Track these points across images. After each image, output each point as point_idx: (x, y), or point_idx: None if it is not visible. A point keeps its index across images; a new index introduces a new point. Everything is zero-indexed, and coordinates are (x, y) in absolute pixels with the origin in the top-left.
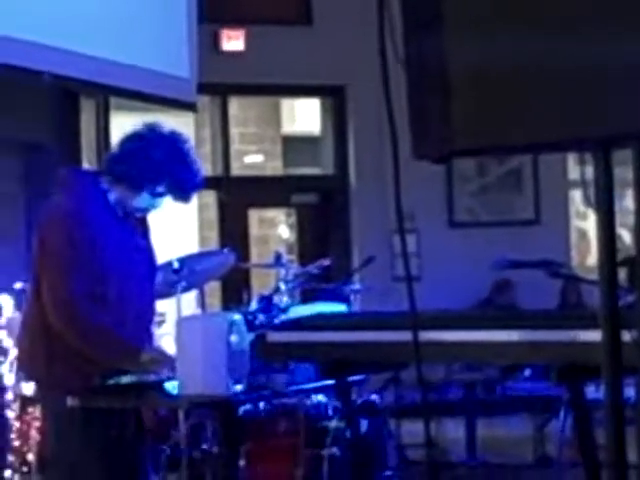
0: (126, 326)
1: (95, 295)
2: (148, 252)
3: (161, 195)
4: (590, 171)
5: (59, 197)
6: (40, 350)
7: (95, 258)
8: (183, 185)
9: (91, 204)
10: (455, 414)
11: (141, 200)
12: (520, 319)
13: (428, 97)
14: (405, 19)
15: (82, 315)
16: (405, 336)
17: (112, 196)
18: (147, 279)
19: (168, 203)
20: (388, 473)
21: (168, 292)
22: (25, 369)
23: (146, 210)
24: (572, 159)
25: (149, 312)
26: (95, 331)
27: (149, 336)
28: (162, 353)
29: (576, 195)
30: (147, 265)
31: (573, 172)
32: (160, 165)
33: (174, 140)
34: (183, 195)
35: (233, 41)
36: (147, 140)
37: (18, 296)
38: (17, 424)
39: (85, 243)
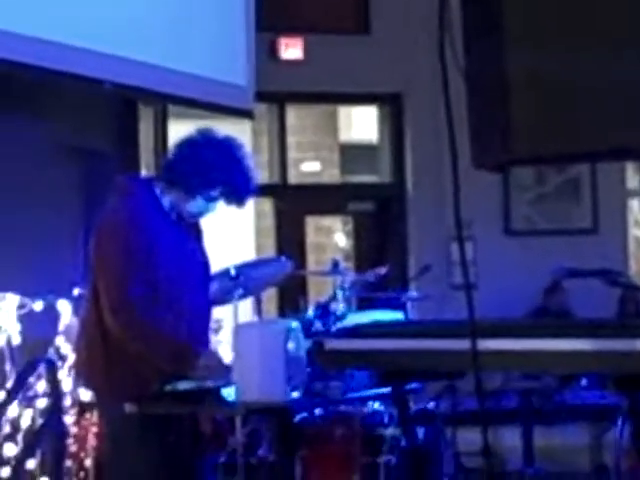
0: (180, 331)
1: (155, 299)
2: (202, 257)
3: (215, 200)
4: None
5: (115, 203)
6: (98, 356)
7: (150, 263)
8: (237, 190)
9: (146, 209)
10: (512, 422)
11: (195, 205)
12: (578, 328)
13: (488, 106)
14: (465, 28)
15: (139, 318)
16: (462, 344)
17: (166, 201)
18: (201, 284)
19: (223, 209)
20: None
21: (225, 299)
22: (83, 376)
23: (200, 215)
24: (631, 168)
25: (204, 317)
26: (152, 334)
27: (205, 341)
28: (216, 359)
29: (634, 204)
30: (201, 270)
31: (632, 181)
32: (214, 170)
33: (228, 145)
34: (237, 200)
35: (291, 49)
36: (200, 145)
37: (76, 302)
38: (75, 429)
39: (140, 248)
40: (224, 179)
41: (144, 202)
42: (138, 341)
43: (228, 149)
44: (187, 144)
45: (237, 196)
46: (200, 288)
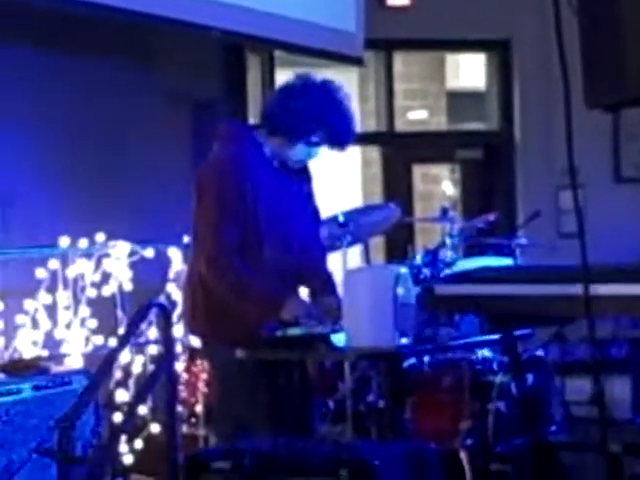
0: (282, 275)
1: (248, 245)
2: (310, 201)
3: (317, 144)
4: None
5: (216, 150)
6: (200, 303)
7: (248, 208)
8: (338, 133)
9: (246, 155)
10: (622, 372)
11: (297, 150)
12: None
13: (601, 45)
14: None
15: (229, 268)
16: (573, 289)
17: (268, 148)
18: (309, 226)
19: (329, 155)
20: (553, 428)
21: (333, 246)
22: (188, 323)
23: (303, 161)
24: None
25: (317, 259)
26: (241, 285)
27: (331, 285)
28: (309, 309)
29: None
30: (309, 212)
31: None
32: (313, 114)
33: (327, 89)
34: (338, 143)
35: None
36: (298, 90)
37: (186, 249)
38: (185, 376)
39: (238, 193)
40: (322, 123)
41: (245, 148)
42: (227, 291)
43: (326, 92)
44: (284, 90)
45: (338, 140)
46: (308, 231)
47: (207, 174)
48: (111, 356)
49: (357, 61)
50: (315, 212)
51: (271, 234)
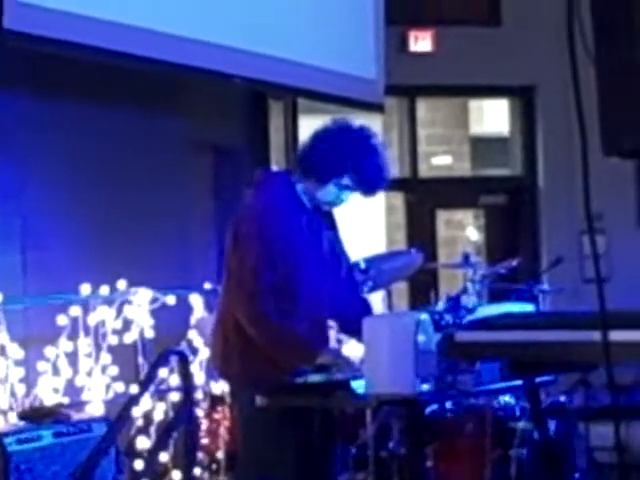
0: (316, 320)
1: (284, 290)
2: (337, 246)
3: (347, 188)
4: None
5: (251, 196)
6: (233, 346)
7: (286, 253)
8: (368, 178)
9: (282, 200)
10: None
11: (327, 193)
12: None
13: (618, 92)
14: (595, 17)
15: (266, 314)
16: (594, 336)
17: (301, 190)
18: (339, 270)
19: (355, 201)
20: (577, 475)
21: None
22: (219, 366)
23: (333, 203)
24: None
25: (342, 302)
26: (277, 331)
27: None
28: (339, 355)
29: None
30: (336, 258)
31: None
32: (345, 157)
33: (361, 134)
34: (368, 188)
35: (421, 42)
36: (333, 133)
37: (208, 296)
38: (206, 422)
39: (276, 238)
40: (354, 166)
41: (281, 193)
42: (262, 337)
43: (360, 137)
44: (321, 133)
45: (367, 185)
46: (340, 274)
47: (245, 221)
48: (130, 403)
49: (378, 108)
50: (345, 257)
51: (306, 279)
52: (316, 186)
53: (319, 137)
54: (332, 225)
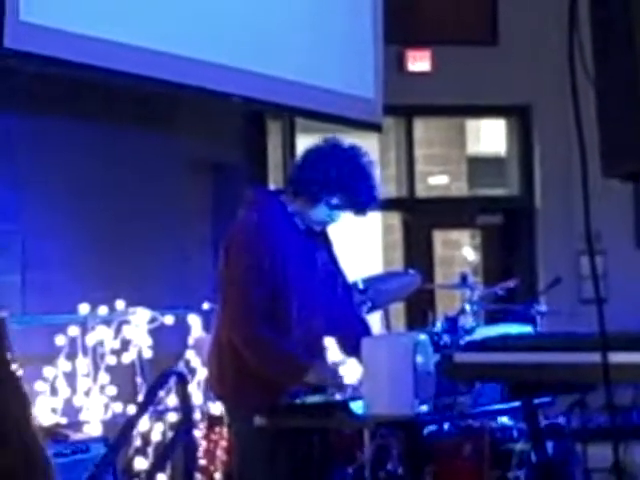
0: (308, 339)
1: (275, 307)
2: (332, 265)
3: (338, 208)
4: None
5: (242, 216)
6: (229, 368)
7: (275, 268)
8: (358, 198)
9: (274, 219)
10: None
11: (318, 212)
12: None
13: (618, 114)
14: (595, 37)
15: (257, 332)
16: (593, 357)
17: (292, 210)
18: (333, 289)
19: (350, 221)
20: None
21: None
22: (214, 388)
23: (324, 223)
24: None
25: (340, 320)
26: (268, 350)
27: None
28: (333, 374)
29: None
30: (332, 276)
31: None
32: (335, 176)
33: (351, 153)
34: (359, 208)
35: (418, 62)
36: (324, 152)
37: (206, 316)
38: (204, 443)
39: (264, 261)
40: (345, 186)
41: (272, 212)
42: (253, 355)
43: (351, 157)
44: (311, 152)
45: (358, 204)
46: (334, 293)
47: (235, 238)
48: (129, 423)
49: (376, 127)
50: (341, 275)
51: (298, 297)
52: (307, 206)
53: (309, 157)
54: (326, 245)
